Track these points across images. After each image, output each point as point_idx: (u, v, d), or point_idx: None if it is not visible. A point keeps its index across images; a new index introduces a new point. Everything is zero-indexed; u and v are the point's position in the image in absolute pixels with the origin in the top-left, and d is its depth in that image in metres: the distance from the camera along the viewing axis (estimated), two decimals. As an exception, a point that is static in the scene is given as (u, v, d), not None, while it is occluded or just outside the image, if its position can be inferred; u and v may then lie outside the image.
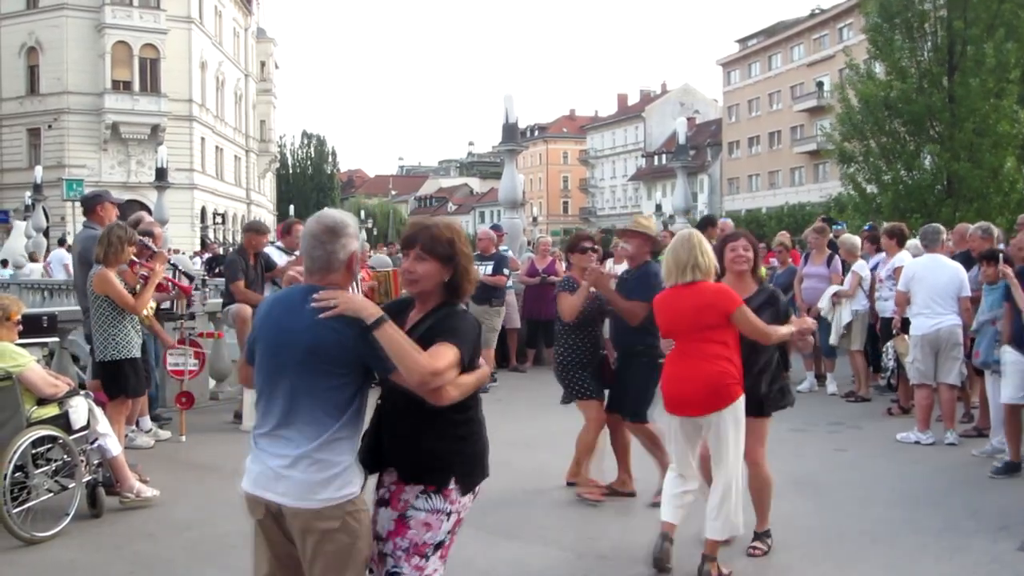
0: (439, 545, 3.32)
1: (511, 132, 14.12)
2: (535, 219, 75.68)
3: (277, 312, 3.31)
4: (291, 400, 3.17)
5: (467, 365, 3.26)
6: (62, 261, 20.31)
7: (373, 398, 3.40)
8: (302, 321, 3.13)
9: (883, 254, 10.46)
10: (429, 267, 3.33)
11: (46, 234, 26.47)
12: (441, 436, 3.31)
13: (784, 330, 5.26)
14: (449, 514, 3.31)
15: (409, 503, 3.29)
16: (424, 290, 3.37)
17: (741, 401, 5.05)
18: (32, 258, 22.76)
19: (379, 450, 3.35)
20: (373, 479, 3.40)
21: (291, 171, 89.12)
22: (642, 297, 6.16)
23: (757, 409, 5.29)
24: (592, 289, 6.53)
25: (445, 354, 3.14)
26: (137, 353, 7.16)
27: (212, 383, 10.97)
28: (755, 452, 5.37)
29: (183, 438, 8.61)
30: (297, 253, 9.79)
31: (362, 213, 68.37)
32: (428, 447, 3.29)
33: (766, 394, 5.40)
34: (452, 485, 3.30)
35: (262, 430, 3.25)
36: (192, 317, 9.23)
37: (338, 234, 3.24)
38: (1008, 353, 7.29)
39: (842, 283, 10.68)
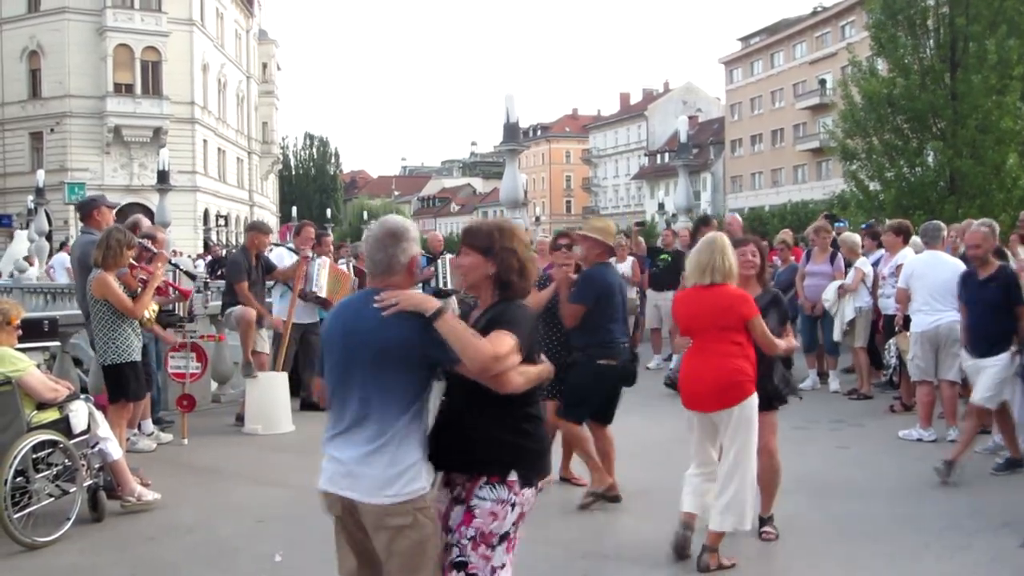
0: (504, 536, 3.38)
1: (512, 132, 14.13)
2: (538, 219, 75.66)
3: (343, 318, 3.47)
4: (361, 400, 3.31)
5: (527, 357, 3.36)
6: (64, 265, 20.31)
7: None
8: (368, 322, 3.29)
9: (883, 251, 10.45)
10: (472, 260, 3.51)
11: (49, 238, 26.48)
12: (503, 429, 3.41)
13: (784, 344, 5.48)
14: (513, 505, 3.38)
15: (474, 493, 3.38)
16: (473, 283, 3.55)
17: (754, 399, 5.21)
18: (28, 262, 22.77)
19: (447, 448, 3.44)
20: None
21: (294, 173, 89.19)
22: (579, 299, 6.35)
23: (766, 404, 5.45)
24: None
25: (504, 340, 3.26)
26: (138, 357, 7.17)
27: (214, 386, 10.98)
28: (769, 442, 5.59)
29: (185, 441, 8.61)
30: (308, 255, 9.81)
31: (365, 214, 68.29)
32: (491, 438, 3.39)
33: (773, 390, 5.58)
34: (514, 476, 3.38)
35: (335, 431, 3.39)
36: (192, 320, 9.22)
37: (399, 238, 3.40)
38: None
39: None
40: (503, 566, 3.38)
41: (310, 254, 9.84)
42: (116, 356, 6.99)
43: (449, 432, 3.46)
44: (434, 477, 3.41)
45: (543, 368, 3.48)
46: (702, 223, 11.78)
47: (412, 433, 3.32)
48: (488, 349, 3.21)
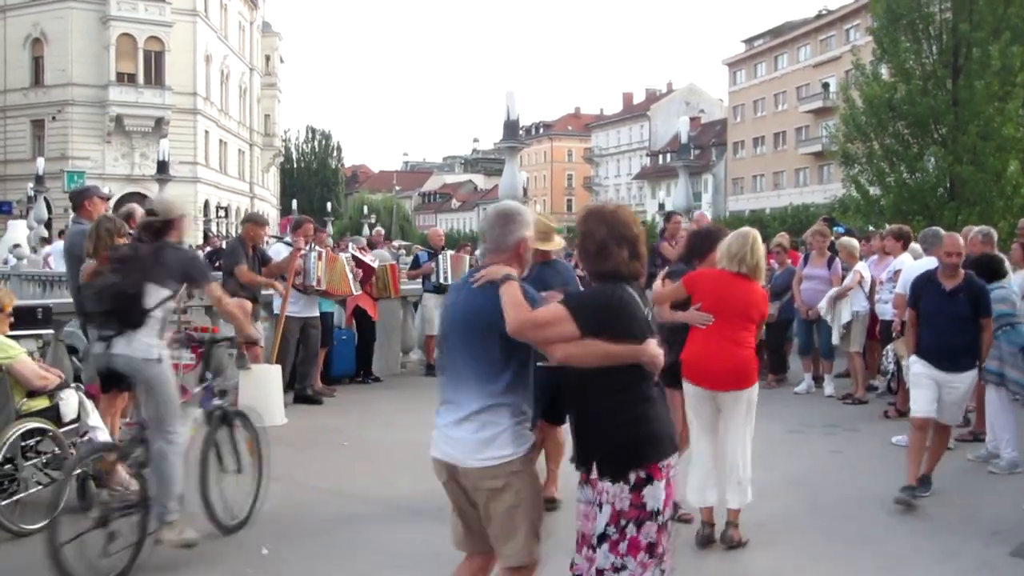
0: (603, 537, 3.36)
1: (512, 129, 14.05)
2: (538, 217, 75.41)
3: (450, 296, 3.81)
4: (458, 368, 3.54)
5: (594, 334, 3.36)
6: (62, 253, 20.24)
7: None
8: (463, 297, 3.62)
9: (874, 256, 10.45)
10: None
11: (48, 226, 26.40)
12: (584, 415, 3.49)
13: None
14: (600, 505, 3.37)
15: (575, 492, 3.54)
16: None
17: (757, 385, 5.71)
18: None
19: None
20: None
21: (295, 166, 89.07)
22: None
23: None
24: None
25: (549, 309, 3.41)
26: None
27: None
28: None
29: (177, 432, 8.56)
30: (303, 244, 9.79)
31: (365, 209, 68.28)
32: (578, 428, 3.52)
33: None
34: (594, 474, 3.40)
35: (441, 401, 3.63)
36: (186, 311, 9.17)
37: (510, 220, 3.66)
38: (916, 364, 6.88)
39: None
40: (620, 569, 3.35)
41: (303, 247, 9.82)
42: None
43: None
44: (532, 445, 3.57)
45: (632, 349, 3.39)
46: (666, 219, 12.70)
47: (505, 402, 3.47)
48: (523, 315, 3.35)
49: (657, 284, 6.03)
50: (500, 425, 3.44)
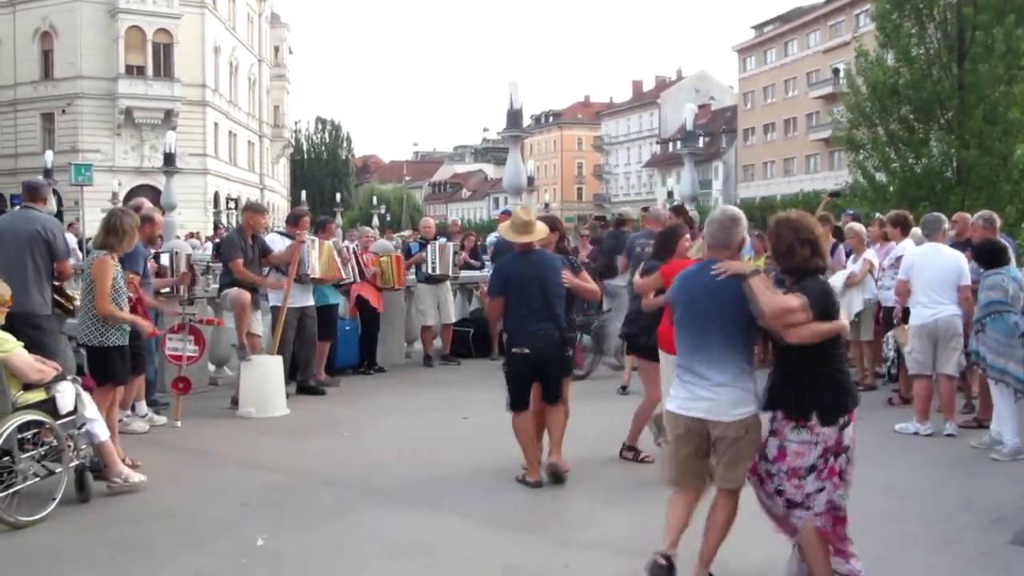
0: (812, 468, 4.39)
1: (515, 118, 14.02)
2: (546, 205, 75.46)
3: (690, 283, 4.68)
4: (712, 345, 4.50)
5: (818, 317, 4.30)
6: (70, 245, 20.28)
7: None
8: (710, 285, 4.50)
9: (876, 244, 10.37)
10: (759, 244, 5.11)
11: (59, 218, 26.42)
12: (802, 377, 4.41)
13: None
14: (816, 443, 4.38)
15: (785, 435, 4.43)
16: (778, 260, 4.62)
17: None
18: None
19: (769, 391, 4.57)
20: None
21: (305, 156, 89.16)
22: (490, 293, 7.08)
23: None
24: None
25: (793, 299, 4.29)
26: (124, 341, 6.93)
27: (212, 368, 10.98)
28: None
29: (178, 423, 8.60)
30: (304, 239, 9.79)
31: (375, 199, 68.34)
32: (796, 387, 4.43)
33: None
34: (813, 420, 4.36)
35: (689, 368, 4.58)
36: (191, 303, 9.19)
37: (736, 223, 4.64)
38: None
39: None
40: (820, 490, 4.39)
41: (306, 238, 9.81)
42: (103, 339, 6.78)
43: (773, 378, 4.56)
44: (760, 406, 4.53)
45: (836, 325, 4.39)
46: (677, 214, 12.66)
47: (745, 371, 4.51)
48: (778, 302, 4.30)
49: (636, 279, 7.02)
50: (747, 390, 4.51)
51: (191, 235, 32.75)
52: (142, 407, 8.60)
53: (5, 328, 6.05)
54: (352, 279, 10.94)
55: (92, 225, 24.66)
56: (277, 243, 10.06)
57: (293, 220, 10.49)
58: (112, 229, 6.85)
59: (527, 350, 6.56)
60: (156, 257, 9.05)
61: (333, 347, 11.13)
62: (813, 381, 4.40)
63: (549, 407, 6.78)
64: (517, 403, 6.66)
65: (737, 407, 4.46)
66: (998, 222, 8.83)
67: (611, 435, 7.55)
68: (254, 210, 9.96)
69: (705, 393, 4.49)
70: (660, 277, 6.47)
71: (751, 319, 4.43)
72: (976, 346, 7.58)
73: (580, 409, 7.33)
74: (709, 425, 4.49)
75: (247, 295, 9.25)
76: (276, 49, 69.63)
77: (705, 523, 4.64)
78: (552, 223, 7.30)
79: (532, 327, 6.56)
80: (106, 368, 6.79)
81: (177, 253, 9.21)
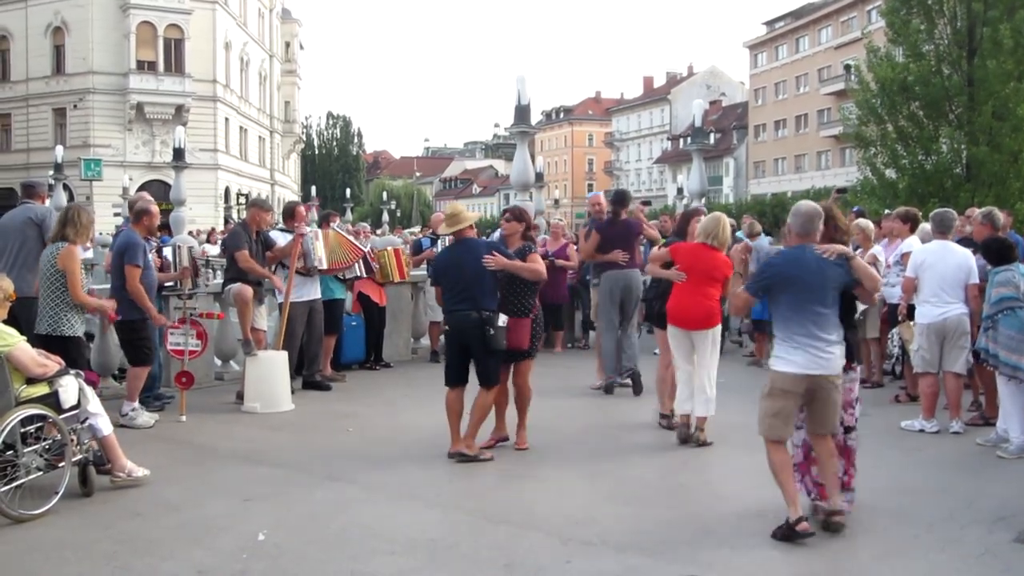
0: (856, 399, 5.90)
1: (523, 114, 14.00)
2: (556, 201, 75.37)
3: (798, 263, 5.50)
4: (826, 311, 5.46)
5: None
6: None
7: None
8: (817, 264, 5.46)
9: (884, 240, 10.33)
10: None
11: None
12: (857, 339, 5.98)
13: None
14: (857, 380, 5.90)
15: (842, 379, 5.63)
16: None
17: (720, 326, 7.94)
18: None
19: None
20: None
21: (316, 152, 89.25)
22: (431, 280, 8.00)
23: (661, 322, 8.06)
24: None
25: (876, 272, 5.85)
26: (81, 332, 7.42)
27: (218, 363, 10.99)
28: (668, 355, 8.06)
29: (183, 418, 8.62)
30: (307, 230, 9.80)
31: (385, 195, 68.34)
32: (848, 341, 5.62)
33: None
34: (855, 363, 5.86)
35: (801, 334, 5.44)
36: (192, 297, 9.19)
37: (815, 217, 5.57)
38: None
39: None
40: (855, 418, 5.89)
41: (305, 231, 9.82)
42: (61, 327, 7.22)
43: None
44: (843, 363, 5.54)
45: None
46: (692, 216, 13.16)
47: (842, 330, 5.52)
48: (876, 275, 5.76)
49: (654, 250, 8.41)
50: (843, 347, 5.52)
51: (212, 232, 31.43)
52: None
53: (8, 321, 6.08)
54: (358, 274, 10.94)
55: (103, 221, 24.77)
56: (280, 240, 10.07)
57: (287, 214, 10.51)
58: (70, 221, 7.35)
59: (448, 328, 7.29)
60: (159, 251, 9.09)
61: (339, 342, 11.14)
62: (854, 336, 5.86)
63: (523, 383, 7.55)
64: (447, 379, 7.29)
65: (840, 362, 5.49)
66: (1000, 219, 8.76)
67: (611, 433, 7.53)
68: (259, 206, 9.97)
69: (824, 353, 5.40)
70: (668, 252, 7.90)
71: (846, 289, 5.52)
72: (986, 343, 7.52)
73: (580, 405, 7.31)
74: (820, 380, 5.42)
75: (249, 290, 9.24)
76: (287, 45, 69.61)
77: (819, 471, 5.64)
78: (518, 214, 7.82)
79: (452, 308, 7.20)
80: (64, 358, 6.62)
81: (180, 247, 9.22)
